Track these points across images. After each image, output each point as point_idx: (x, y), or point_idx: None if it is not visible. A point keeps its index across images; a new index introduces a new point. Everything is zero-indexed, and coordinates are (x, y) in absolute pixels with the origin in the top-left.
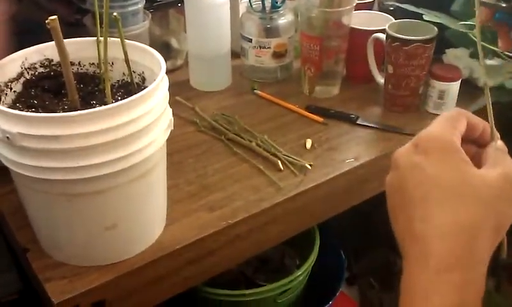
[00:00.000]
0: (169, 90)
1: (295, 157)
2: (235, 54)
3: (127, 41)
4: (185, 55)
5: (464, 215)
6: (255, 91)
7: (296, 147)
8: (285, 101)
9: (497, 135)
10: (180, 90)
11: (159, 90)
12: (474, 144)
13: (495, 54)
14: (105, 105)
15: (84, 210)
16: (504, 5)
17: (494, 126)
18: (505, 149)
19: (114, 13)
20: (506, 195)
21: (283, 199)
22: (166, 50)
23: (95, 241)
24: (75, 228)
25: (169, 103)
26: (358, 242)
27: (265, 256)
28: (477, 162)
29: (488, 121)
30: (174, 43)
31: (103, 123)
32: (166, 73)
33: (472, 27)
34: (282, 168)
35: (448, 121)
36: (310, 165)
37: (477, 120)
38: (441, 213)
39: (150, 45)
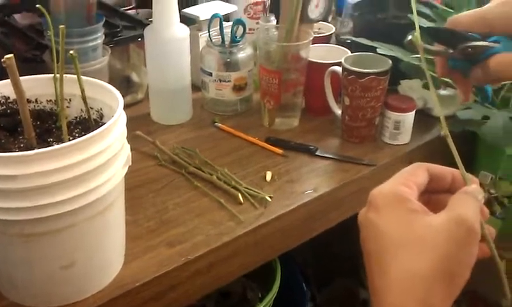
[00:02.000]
0: (129, 124)
1: (255, 190)
2: (196, 87)
3: (84, 77)
4: (145, 89)
5: (416, 265)
6: (216, 124)
7: (256, 179)
8: (245, 133)
9: (472, 179)
10: (140, 124)
11: (116, 127)
12: (449, 193)
13: (447, 85)
14: (62, 142)
15: (42, 250)
16: (450, 51)
17: (465, 172)
18: (478, 193)
19: (71, 51)
20: (454, 238)
21: (244, 232)
22: (127, 84)
23: (52, 281)
24: (31, 267)
25: (129, 137)
26: (321, 272)
27: (226, 290)
28: None
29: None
30: (134, 77)
31: (60, 161)
32: (127, 107)
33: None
34: (242, 201)
35: (401, 175)
36: (270, 197)
37: (442, 169)
38: (395, 267)
39: (111, 79)
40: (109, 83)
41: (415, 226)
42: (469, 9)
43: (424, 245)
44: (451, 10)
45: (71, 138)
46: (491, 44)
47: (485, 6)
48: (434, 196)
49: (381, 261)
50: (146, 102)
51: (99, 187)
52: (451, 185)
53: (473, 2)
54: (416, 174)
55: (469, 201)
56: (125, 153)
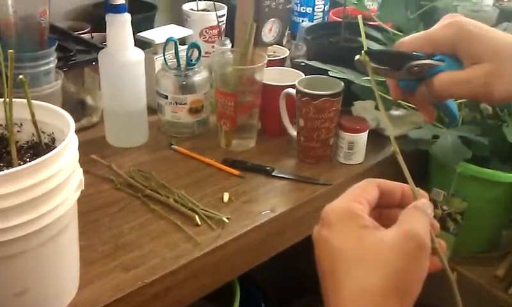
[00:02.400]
0: (84, 148)
1: (212, 211)
2: (152, 110)
3: (36, 102)
4: (101, 112)
5: (369, 280)
6: (173, 146)
7: (214, 201)
8: (202, 155)
9: (421, 194)
10: (96, 148)
11: (67, 150)
12: (399, 208)
13: (399, 105)
14: (12, 167)
15: None
16: (398, 71)
17: (414, 187)
18: (427, 207)
19: (20, 76)
20: (405, 252)
21: (201, 254)
22: (82, 108)
23: None
24: None
25: (84, 161)
26: (282, 290)
27: None
28: None
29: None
30: (89, 100)
31: (10, 186)
32: (82, 130)
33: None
34: (200, 223)
35: (352, 191)
36: (228, 218)
37: (392, 185)
38: (349, 283)
39: (65, 103)
40: (63, 107)
41: (367, 242)
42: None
43: (375, 260)
44: (401, 33)
45: (21, 162)
46: (436, 62)
47: (430, 29)
48: (385, 211)
49: (335, 277)
50: (102, 126)
51: (51, 212)
52: (401, 200)
53: (421, 26)
54: (367, 190)
55: (419, 215)
56: (77, 177)
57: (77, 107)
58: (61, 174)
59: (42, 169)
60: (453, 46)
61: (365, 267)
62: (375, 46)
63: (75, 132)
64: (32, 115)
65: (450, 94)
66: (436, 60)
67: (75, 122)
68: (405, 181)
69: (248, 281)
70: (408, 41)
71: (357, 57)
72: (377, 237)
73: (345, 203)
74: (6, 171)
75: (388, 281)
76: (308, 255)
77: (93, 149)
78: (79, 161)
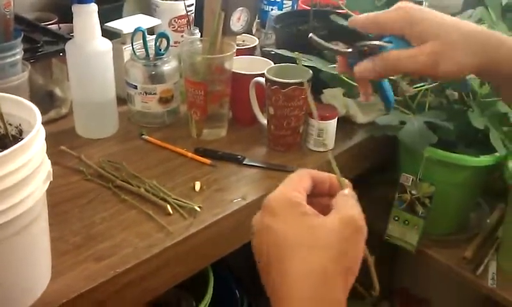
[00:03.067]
0: (54, 139)
1: (184, 200)
2: (122, 100)
3: (2, 94)
4: (70, 103)
5: (314, 262)
6: (143, 136)
7: (185, 190)
8: (173, 145)
9: (346, 184)
10: (65, 139)
11: (35, 142)
12: (328, 196)
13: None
14: None
15: None
16: (349, 50)
17: (341, 177)
18: (354, 195)
19: None
20: (346, 236)
21: (173, 243)
22: (50, 99)
23: None
24: None
25: (53, 153)
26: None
27: (160, 302)
28: (328, 211)
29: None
30: (58, 91)
31: None
32: (51, 122)
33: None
34: (171, 212)
35: (290, 181)
36: (200, 207)
37: (322, 175)
38: (295, 267)
39: (33, 95)
40: (31, 99)
41: (309, 228)
42: None
43: (319, 244)
44: None
45: None
46: (385, 44)
47: (381, 12)
48: (315, 199)
49: (281, 262)
50: (71, 117)
51: (20, 203)
52: (329, 189)
53: None
54: (303, 180)
55: (353, 203)
56: (45, 169)
57: (46, 99)
58: (29, 166)
59: (10, 161)
60: (401, 29)
61: (310, 251)
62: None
63: (44, 123)
64: None
65: (397, 69)
66: (384, 41)
67: (44, 114)
68: (374, 165)
69: (221, 267)
70: (358, 20)
71: (310, 35)
72: (319, 223)
73: (286, 192)
74: None
75: (333, 263)
76: None
77: (62, 140)
78: (48, 153)
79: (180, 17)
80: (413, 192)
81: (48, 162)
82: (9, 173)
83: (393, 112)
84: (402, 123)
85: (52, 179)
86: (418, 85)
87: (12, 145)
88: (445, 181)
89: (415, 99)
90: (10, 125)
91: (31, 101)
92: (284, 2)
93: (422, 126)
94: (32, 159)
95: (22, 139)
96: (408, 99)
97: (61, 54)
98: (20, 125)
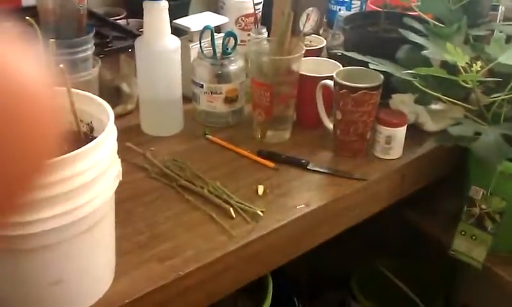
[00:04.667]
0: (119, 135)
1: (247, 204)
2: (187, 99)
3: (74, 90)
4: (136, 99)
5: None
6: (207, 136)
7: (248, 193)
8: (236, 146)
9: None
10: (130, 135)
11: (106, 142)
12: None
13: (439, 99)
14: None
15: (29, 266)
16: None
17: None
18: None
19: (61, 65)
20: None
21: (235, 248)
22: (117, 95)
23: (39, 298)
24: (18, 284)
25: (119, 149)
26: (312, 284)
27: (217, 304)
28: None
29: None
30: (125, 87)
31: (49, 176)
32: (117, 118)
33: (415, 75)
34: (234, 215)
35: None
36: (262, 212)
37: None
38: None
39: (101, 90)
40: (99, 94)
41: None
42: (460, 25)
43: None
44: (442, 25)
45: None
46: None
47: None
48: None
49: None
50: (137, 113)
51: (88, 203)
52: None
53: (464, 18)
54: None
55: None
56: (115, 168)
57: (113, 94)
58: (100, 166)
59: (81, 160)
60: None
61: None
62: (415, 37)
63: None
64: (72, 104)
65: None
66: None
67: None
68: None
69: (280, 274)
70: None
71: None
72: None
73: None
74: None
75: None
76: (340, 249)
77: (127, 137)
78: None
79: (248, 15)
80: (483, 206)
81: (119, 161)
82: (81, 172)
83: (465, 121)
84: (477, 134)
85: (121, 178)
86: (495, 95)
87: (83, 142)
88: None
89: (490, 109)
90: (81, 121)
91: (99, 96)
92: (353, 2)
93: (498, 139)
94: (103, 158)
95: (92, 136)
96: (483, 109)
97: (129, 50)
98: (91, 122)
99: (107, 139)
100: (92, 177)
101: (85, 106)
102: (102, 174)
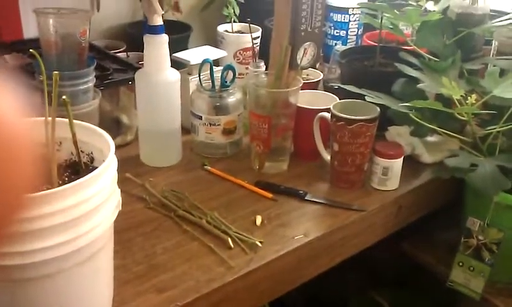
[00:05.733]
0: (118, 166)
1: (245, 234)
2: (186, 130)
3: (76, 121)
4: (135, 130)
5: None
6: (206, 166)
7: (246, 224)
8: (235, 177)
9: None
10: (130, 166)
11: (107, 172)
12: None
13: (435, 132)
14: (51, 187)
15: (28, 296)
16: None
17: None
18: None
19: (64, 96)
20: None
21: (234, 278)
22: (116, 126)
23: None
24: None
25: (118, 179)
26: None
27: None
28: None
29: None
30: (124, 119)
31: (49, 206)
32: (116, 148)
33: (411, 107)
34: (232, 246)
35: None
36: (261, 242)
37: None
38: None
39: (101, 121)
40: (98, 125)
41: None
42: (454, 59)
43: None
44: (437, 59)
45: (60, 182)
46: None
47: None
48: None
49: None
50: (136, 144)
51: (88, 233)
52: None
53: (458, 53)
54: None
55: None
56: (115, 198)
57: (112, 125)
58: (100, 195)
59: (82, 190)
60: None
61: None
62: (411, 71)
63: None
64: (74, 135)
65: None
66: None
67: None
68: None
69: (277, 303)
70: None
71: None
72: None
73: None
74: (46, 191)
75: None
76: (337, 278)
77: (127, 167)
78: None
79: (246, 49)
80: (480, 237)
81: (118, 191)
82: (82, 202)
83: (461, 153)
84: (473, 165)
85: (120, 208)
86: (490, 128)
87: (84, 173)
88: None
89: (485, 141)
90: (82, 152)
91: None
92: (349, 37)
93: (494, 170)
94: (104, 188)
95: (93, 166)
96: (478, 140)
97: (129, 83)
98: (91, 152)
99: (108, 169)
100: (93, 207)
101: (86, 137)
102: (103, 204)
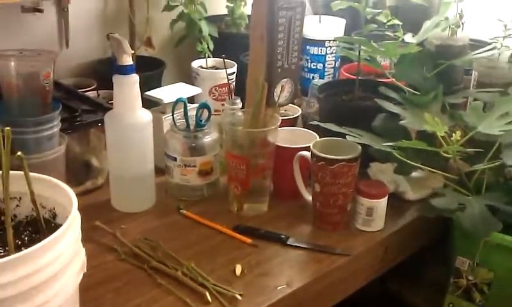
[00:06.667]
0: (88, 212)
1: (224, 287)
2: (160, 170)
3: (37, 175)
4: (106, 173)
5: None
6: (181, 210)
7: (225, 273)
8: (212, 221)
9: None
10: (100, 212)
11: (69, 232)
12: None
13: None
14: (7, 251)
15: None
16: None
17: None
18: None
19: (19, 152)
20: None
21: None
22: (86, 169)
23: None
24: None
25: (87, 228)
26: None
27: None
28: None
29: None
30: (95, 161)
31: (3, 276)
32: (86, 193)
33: (393, 147)
34: (210, 300)
35: None
36: (241, 295)
37: None
38: None
39: (69, 164)
40: (67, 168)
41: None
42: (436, 94)
43: None
44: (417, 93)
45: (19, 242)
46: None
47: None
48: None
49: None
50: (107, 188)
51: (48, 302)
52: None
53: (440, 86)
54: None
55: None
56: (79, 260)
57: (82, 169)
58: (61, 259)
59: (40, 256)
60: None
61: None
62: (391, 107)
63: (80, 194)
64: (32, 193)
65: None
66: None
67: (80, 184)
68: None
69: None
70: None
71: None
72: None
73: None
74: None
75: None
76: None
77: (97, 214)
78: (82, 227)
79: (221, 85)
80: (470, 277)
81: (83, 251)
82: (40, 268)
83: (447, 192)
84: (460, 204)
85: (85, 270)
86: (477, 165)
87: (44, 230)
88: (506, 266)
89: (471, 178)
90: (44, 207)
91: (67, 171)
92: (326, 70)
93: (484, 211)
94: (65, 251)
95: (55, 223)
96: (464, 177)
97: (99, 124)
98: (54, 208)
99: (70, 229)
100: (52, 273)
101: (47, 192)
102: (64, 268)
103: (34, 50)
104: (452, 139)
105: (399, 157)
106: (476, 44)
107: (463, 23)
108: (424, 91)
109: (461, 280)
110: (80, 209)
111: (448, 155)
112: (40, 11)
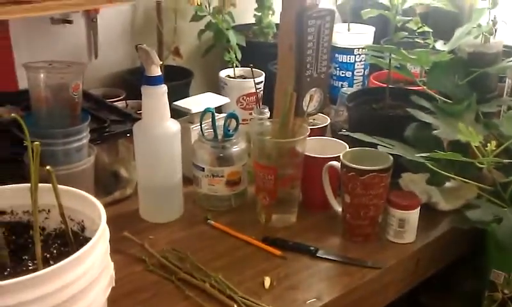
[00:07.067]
0: (117, 222)
1: (252, 300)
2: (188, 180)
3: (66, 188)
4: (135, 184)
5: None
6: (209, 221)
7: (254, 286)
8: (240, 232)
9: None
10: (128, 222)
11: (98, 246)
12: None
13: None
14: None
15: None
16: None
17: None
18: None
19: (48, 167)
20: None
21: None
22: (115, 180)
23: None
24: None
25: (116, 238)
26: None
27: None
28: None
29: None
30: (123, 172)
31: (32, 292)
32: (115, 203)
33: (426, 157)
34: None
35: None
36: None
37: None
38: None
39: (98, 175)
40: (95, 180)
41: None
42: (470, 102)
43: None
44: (450, 101)
45: (47, 255)
46: None
47: None
48: None
49: None
50: (136, 198)
51: None
52: None
53: (473, 94)
54: None
55: None
56: (107, 274)
57: (111, 179)
58: (89, 274)
59: (69, 271)
60: None
61: None
62: (424, 116)
63: (108, 204)
64: (60, 206)
65: None
66: None
67: (108, 194)
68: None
69: None
70: None
71: None
72: None
73: None
74: (27, 276)
75: None
76: None
77: (125, 224)
78: (111, 238)
79: (249, 95)
80: (506, 291)
81: (111, 265)
82: (69, 284)
83: (482, 203)
84: (496, 216)
85: (114, 284)
86: None
87: (72, 243)
88: None
89: (507, 189)
90: (72, 220)
91: (96, 181)
92: (355, 78)
93: None
94: (93, 266)
95: (84, 236)
96: (500, 188)
97: (128, 135)
98: (82, 221)
99: (99, 243)
100: (81, 288)
101: (76, 205)
102: (93, 283)
103: (64, 62)
104: (487, 149)
105: (432, 167)
106: (510, 51)
107: (496, 30)
108: (456, 100)
109: (496, 294)
110: (108, 219)
111: (483, 165)
112: (70, 22)
